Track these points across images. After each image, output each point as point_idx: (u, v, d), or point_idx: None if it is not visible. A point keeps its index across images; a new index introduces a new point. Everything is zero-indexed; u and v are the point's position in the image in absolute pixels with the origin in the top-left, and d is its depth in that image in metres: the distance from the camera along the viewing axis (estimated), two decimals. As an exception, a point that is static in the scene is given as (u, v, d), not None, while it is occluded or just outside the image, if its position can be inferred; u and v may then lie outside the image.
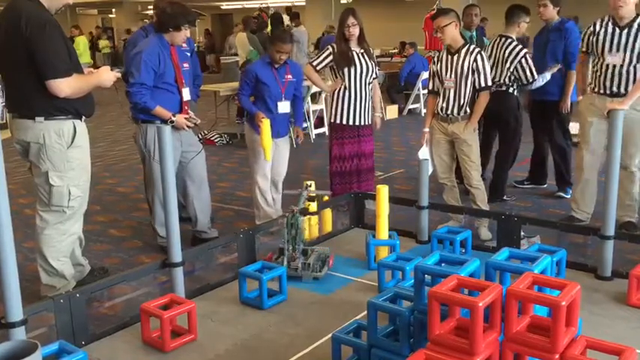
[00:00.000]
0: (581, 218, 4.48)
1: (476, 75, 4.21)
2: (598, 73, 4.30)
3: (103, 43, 21.62)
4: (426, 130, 4.46)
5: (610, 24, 4.24)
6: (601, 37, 4.26)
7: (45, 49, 3.05)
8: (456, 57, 4.23)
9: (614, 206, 3.32)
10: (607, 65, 4.23)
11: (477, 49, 4.24)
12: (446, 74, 4.27)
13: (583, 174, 4.46)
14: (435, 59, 4.40)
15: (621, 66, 4.17)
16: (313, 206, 3.91)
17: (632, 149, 4.22)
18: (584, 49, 4.48)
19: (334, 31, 11.93)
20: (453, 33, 4.22)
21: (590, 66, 4.46)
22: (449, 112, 4.28)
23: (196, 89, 5.05)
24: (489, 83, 4.28)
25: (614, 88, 4.22)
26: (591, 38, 4.34)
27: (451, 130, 4.30)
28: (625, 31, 4.16)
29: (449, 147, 4.40)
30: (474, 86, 4.24)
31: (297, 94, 4.63)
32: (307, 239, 3.81)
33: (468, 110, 4.27)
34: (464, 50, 4.22)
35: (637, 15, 4.17)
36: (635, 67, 4.15)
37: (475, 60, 4.19)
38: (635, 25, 4.14)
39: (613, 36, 4.21)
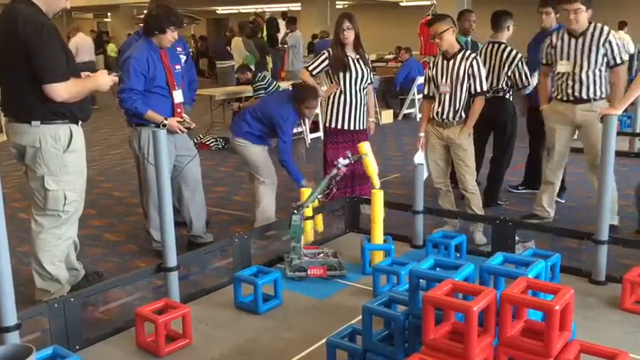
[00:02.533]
0: (543, 216, 4.62)
1: (471, 80, 4.23)
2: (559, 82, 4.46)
3: (111, 47, 21.55)
4: (422, 134, 4.48)
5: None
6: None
7: (42, 53, 3.05)
8: (451, 62, 4.25)
9: (607, 211, 3.34)
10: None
11: (472, 55, 4.27)
12: (441, 79, 4.28)
13: (547, 176, 4.63)
14: (431, 64, 4.42)
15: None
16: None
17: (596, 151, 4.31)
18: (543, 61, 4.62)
19: (327, 35, 12.03)
20: (450, 39, 4.23)
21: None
22: (444, 116, 4.29)
23: (192, 93, 5.04)
24: (485, 88, 4.31)
25: (577, 94, 4.35)
26: (549, 50, 4.51)
27: (446, 135, 4.32)
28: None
29: (444, 152, 4.41)
30: (469, 91, 4.26)
31: None
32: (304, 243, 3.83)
33: (464, 115, 4.29)
34: (459, 56, 4.24)
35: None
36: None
37: (471, 65, 4.21)
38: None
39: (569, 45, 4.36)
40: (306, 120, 4.53)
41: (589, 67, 4.27)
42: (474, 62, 4.22)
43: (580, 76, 4.30)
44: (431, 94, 4.43)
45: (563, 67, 4.37)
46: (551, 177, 4.60)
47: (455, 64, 4.23)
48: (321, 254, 3.67)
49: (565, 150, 4.53)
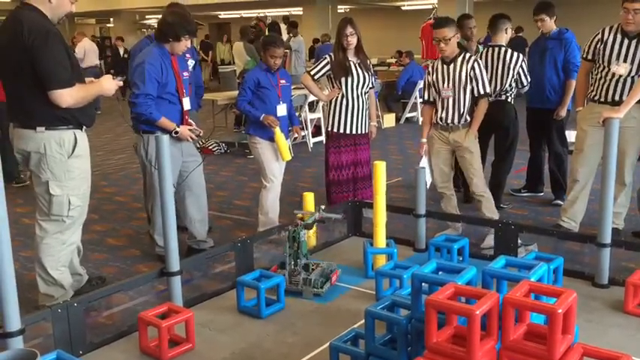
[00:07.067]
0: (568, 227, 4.42)
1: (474, 83, 4.23)
2: (602, 82, 4.26)
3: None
4: (424, 140, 4.46)
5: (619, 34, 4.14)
6: (609, 46, 4.18)
7: (47, 59, 3.06)
8: (452, 66, 4.25)
9: (610, 214, 3.34)
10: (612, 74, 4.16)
11: (472, 57, 4.27)
12: (443, 84, 4.28)
13: (576, 184, 4.46)
14: (430, 69, 4.41)
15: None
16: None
17: (625, 160, 4.23)
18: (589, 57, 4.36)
19: (329, 39, 12.04)
20: (455, 44, 4.23)
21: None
22: (449, 121, 4.28)
23: (198, 99, 5.04)
24: (488, 90, 4.31)
25: (617, 97, 4.17)
26: (598, 46, 4.25)
27: (452, 139, 4.30)
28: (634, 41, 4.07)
29: (449, 156, 4.40)
30: (473, 94, 4.26)
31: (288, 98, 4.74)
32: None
33: (468, 118, 4.29)
34: (460, 59, 4.24)
35: None
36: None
37: (472, 68, 4.22)
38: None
39: (621, 46, 4.13)
40: (281, 81, 4.52)
41: (638, 71, 4.08)
42: (475, 65, 4.23)
43: (626, 79, 4.12)
44: (431, 100, 4.41)
45: (622, 69, 4.09)
46: (582, 184, 4.37)
47: (456, 68, 4.23)
48: (314, 264, 3.56)
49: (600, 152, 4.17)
